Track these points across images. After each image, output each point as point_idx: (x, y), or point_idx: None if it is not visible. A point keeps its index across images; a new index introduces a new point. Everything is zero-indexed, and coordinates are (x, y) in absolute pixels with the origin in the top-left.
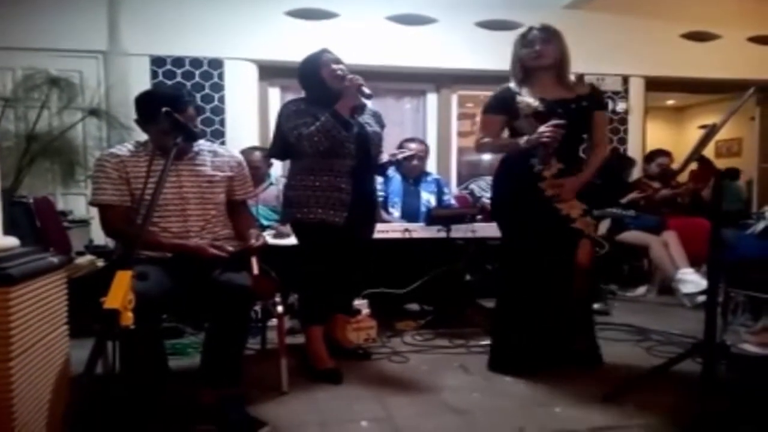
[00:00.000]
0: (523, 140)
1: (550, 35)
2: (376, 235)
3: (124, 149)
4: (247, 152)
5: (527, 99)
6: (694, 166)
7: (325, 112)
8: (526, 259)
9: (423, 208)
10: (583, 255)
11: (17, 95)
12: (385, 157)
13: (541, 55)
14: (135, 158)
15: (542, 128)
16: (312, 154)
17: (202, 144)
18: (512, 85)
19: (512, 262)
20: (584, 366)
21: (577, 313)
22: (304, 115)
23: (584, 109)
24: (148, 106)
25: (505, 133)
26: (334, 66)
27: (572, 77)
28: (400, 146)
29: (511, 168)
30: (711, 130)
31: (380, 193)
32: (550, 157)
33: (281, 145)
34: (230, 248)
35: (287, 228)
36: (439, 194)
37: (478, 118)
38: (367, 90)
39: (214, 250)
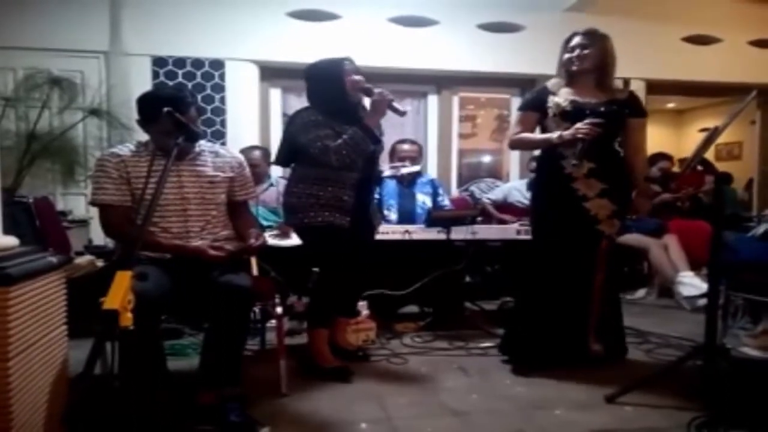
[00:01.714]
0: (555, 135)
1: (590, 40)
2: (377, 237)
3: (125, 149)
4: (246, 151)
5: (557, 99)
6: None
7: (342, 125)
8: (550, 258)
9: (419, 210)
10: (601, 256)
11: (18, 95)
12: (385, 168)
13: (579, 59)
14: (136, 158)
15: (579, 124)
16: (337, 167)
17: (203, 144)
18: (550, 84)
19: (537, 259)
20: (599, 363)
21: (604, 312)
22: (323, 126)
23: (614, 112)
24: (149, 106)
25: (538, 132)
26: (356, 77)
27: (619, 83)
28: (393, 149)
29: (545, 169)
30: (713, 133)
31: (375, 196)
32: (586, 153)
33: (287, 153)
34: (230, 248)
35: (286, 230)
36: (434, 195)
37: (479, 120)
38: (401, 108)
39: (213, 251)
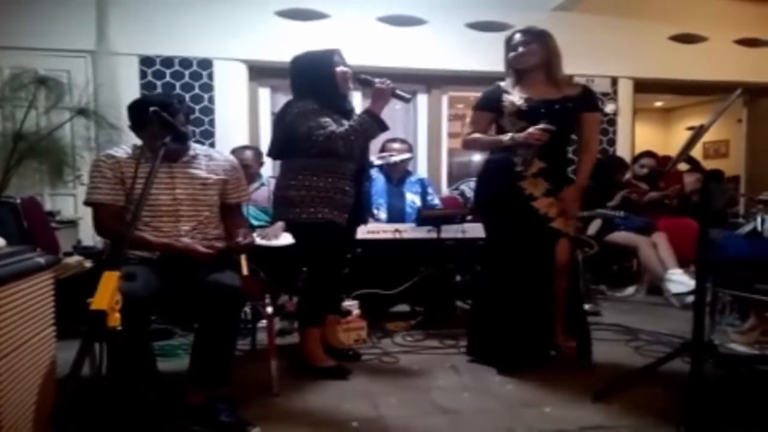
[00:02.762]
0: (507, 137)
1: (531, 37)
2: (367, 236)
3: (120, 151)
4: (238, 151)
5: (512, 98)
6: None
7: (334, 115)
8: (505, 258)
9: (408, 209)
10: (560, 254)
11: (4, 94)
12: (373, 158)
13: (523, 56)
14: (131, 160)
15: (532, 129)
16: (343, 154)
17: (198, 149)
18: (503, 83)
19: (492, 260)
20: (568, 364)
21: (565, 313)
22: (322, 115)
23: (569, 109)
24: (139, 111)
25: (493, 131)
26: (345, 69)
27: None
28: (383, 148)
29: (493, 167)
30: (698, 132)
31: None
32: (533, 159)
33: (282, 144)
34: (219, 245)
35: (274, 229)
36: (424, 195)
37: (468, 119)
38: (406, 95)
39: (202, 248)
